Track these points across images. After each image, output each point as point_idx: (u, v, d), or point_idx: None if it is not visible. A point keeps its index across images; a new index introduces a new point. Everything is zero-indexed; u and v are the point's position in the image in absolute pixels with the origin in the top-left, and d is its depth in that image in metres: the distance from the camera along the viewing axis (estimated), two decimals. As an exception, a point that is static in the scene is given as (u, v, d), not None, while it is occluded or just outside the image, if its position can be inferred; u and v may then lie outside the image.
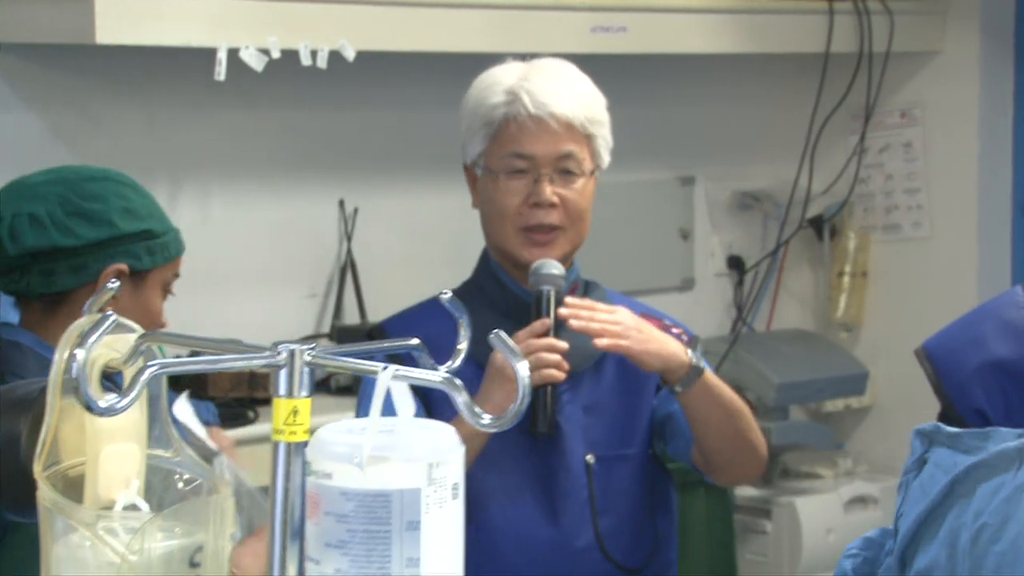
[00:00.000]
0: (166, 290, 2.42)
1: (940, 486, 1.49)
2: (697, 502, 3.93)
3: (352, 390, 3.50)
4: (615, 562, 2.55)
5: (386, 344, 1.35)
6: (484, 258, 2.66)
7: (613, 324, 2.48)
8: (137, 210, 2.35)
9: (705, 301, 4.61)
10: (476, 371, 2.56)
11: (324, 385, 3.66)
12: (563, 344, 2.49)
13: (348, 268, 3.76)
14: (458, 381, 1.25)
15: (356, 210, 3.78)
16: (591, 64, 4.01)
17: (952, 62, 4.55)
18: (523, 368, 1.25)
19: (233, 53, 3.22)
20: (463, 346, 1.27)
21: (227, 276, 3.63)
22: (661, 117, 4.42)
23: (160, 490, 1.25)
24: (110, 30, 3.05)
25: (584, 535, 2.55)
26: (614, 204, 4.41)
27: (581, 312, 2.49)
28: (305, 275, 3.78)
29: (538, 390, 2.47)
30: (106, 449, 1.29)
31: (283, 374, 1.27)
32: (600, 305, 2.52)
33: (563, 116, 2.55)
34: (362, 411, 2.62)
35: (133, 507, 1.26)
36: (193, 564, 1.14)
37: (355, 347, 1.35)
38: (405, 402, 1.23)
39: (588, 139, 2.59)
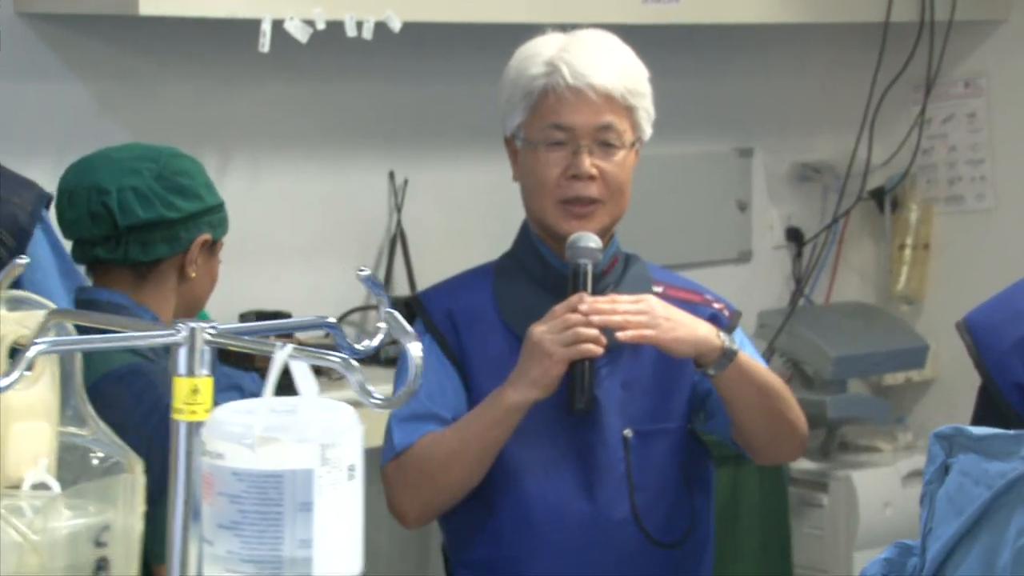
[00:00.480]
0: None
1: (977, 503, 1.39)
2: (751, 475, 3.89)
3: (399, 362, 3.48)
4: (651, 537, 2.52)
5: (293, 322, 1.32)
6: (524, 230, 2.64)
7: (637, 315, 2.44)
8: (212, 185, 2.52)
9: (763, 274, 4.55)
10: (514, 343, 2.53)
11: (375, 357, 3.65)
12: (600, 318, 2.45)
13: (398, 240, 3.74)
14: (354, 363, 1.23)
15: (406, 182, 3.76)
16: (643, 35, 3.98)
17: (1017, 31, 4.46)
18: (415, 349, 1.23)
19: (278, 25, 3.21)
20: (383, 325, 1.24)
21: (276, 248, 3.63)
22: (718, 88, 4.37)
23: (77, 469, 1.23)
24: (154, 1, 3.04)
25: (620, 509, 2.52)
26: (671, 176, 4.37)
27: (602, 306, 2.44)
28: (356, 247, 3.76)
29: (576, 365, 2.44)
30: (15, 427, 1.27)
31: (182, 352, 1.25)
32: (623, 298, 2.48)
33: (602, 87, 2.51)
34: (399, 383, 2.60)
35: (43, 486, 1.23)
36: (99, 543, 1.12)
37: (262, 325, 1.33)
38: (307, 382, 1.20)
39: (629, 111, 2.55)
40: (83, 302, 2.42)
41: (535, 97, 2.53)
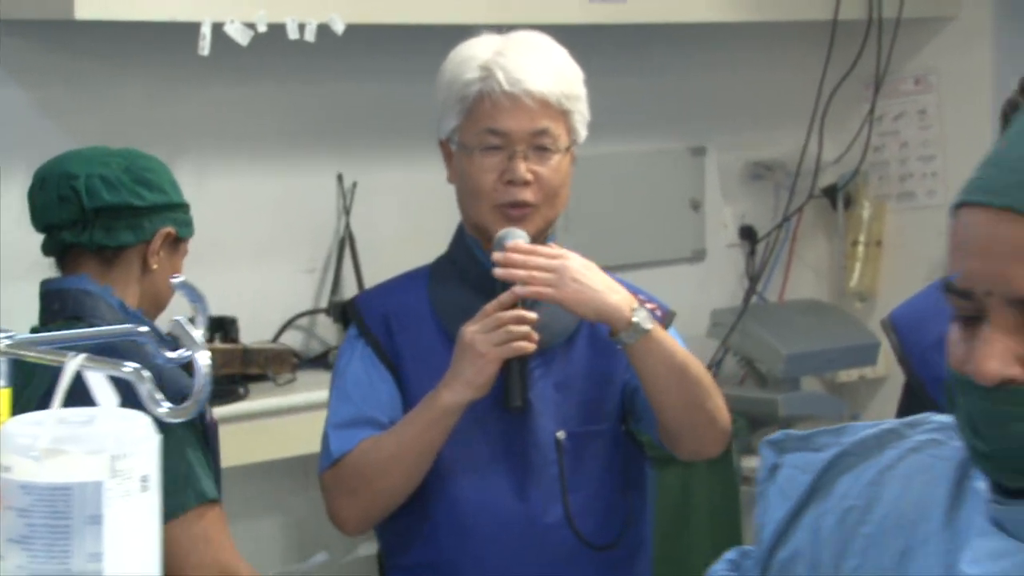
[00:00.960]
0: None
1: (803, 485, 1.43)
2: (701, 475, 3.88)
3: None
4: (584, 539, 2.51)
5: (99, 331, 1.29)
6: (459, 233, 2.62)
7: (546, 272, 2.42)
8: (177, 185, 2.64)
9: (717, 272, 4.54)
10: (448, 345, 2.52)
11: (323, 362, 3.62)
12: (532, 315, 2.44)
13: (346, 243, 3.72)
14: (146, 373, 1.20)
15: (355, 184, 3.74)
16: (592, 35, 3.98)
17: (966, 27, 4.46)
18: (204, 358, 1.20)
19: (219, 28, 3.18)
20: (198, 333, 1.21)
21: (224, 251, 3.60)
22: (669, 87, 4.36)
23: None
24: (89, 5, 3.02)
25: (553, 512, 2.51)
26: (624, 175, 4.36)
27: (515, 257, 2.42)
28: (303, 250, 3.74)
29: (510, 363, 2.43)
30: None
31: None
32: (544, 249, 2.46)
33: (538, 93, 2.49)
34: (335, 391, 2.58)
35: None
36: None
37: (62, 335, 1.30)
38: (104, 392, 1.18)
39: (564, 115, 2.53)
40: (51, 292, 2.51)
41: (470, 102, 2.51)
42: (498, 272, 2.42)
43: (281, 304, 3.68)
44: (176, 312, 1.40)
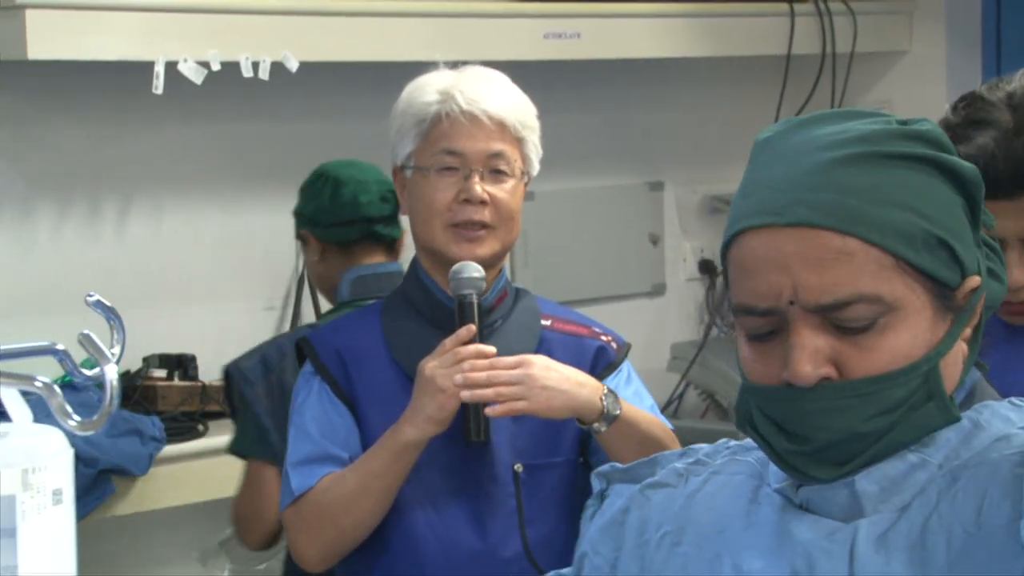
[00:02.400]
0: None
1: (618, 505, 1.54)
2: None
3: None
4: (543, 572, 2.48)
5: (18, 348, 1.27)
6: (413, 266, 2.61)
7: (511, 386, 2.41)
8: None
9: (676, 306, 4.54)
10: (404, 381, 2.50)
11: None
12: (491, 349, 2.43)
13: (304, 280, 3.70)
14: (57, 388, 1.19)
15: (311, 222, 3.72)
16: (548, 71, 3.98)
17: (920, 62, 4.48)
18: (111, 371, 1.19)
19: (173, 66, 3.18)
20: (116, 350, 1.20)
21: (182, 289, 3.58)
22: (626, 122, 4.36)
23: None
24: (42, 45, 3.00)
25: (512, 545, 2.48)
26: (583, 210, 4.36)
27: (477, 377, 2.41)
28: (261, 288, 3.73)
29: None
30: None
31: None
32: (504, 361, 2.45)
33: (496, 114, 2.50)
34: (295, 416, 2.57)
35: None
36: None
37: None
38: (18, 408, 1.17)
39: (519, 142, 2.53)
40: (380, 275, 3.08)
41: (428, 124, 2.51)
42: (464, 395, 2.40)
43: (240, 342, 3.63)
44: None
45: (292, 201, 3.74)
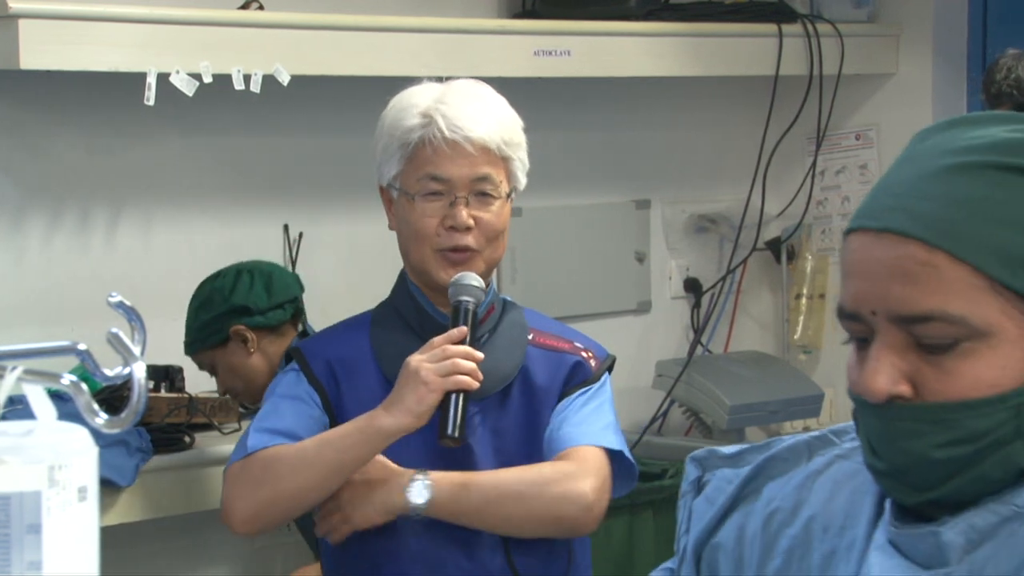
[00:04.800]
0: None
1: (729, 492, 1.45)
2: (646, 523, 3.87)
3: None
4: None
5: (39, 347, 1.27)
6: (401, 280, 2.61)
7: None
8: None
9: (662, 324, 4.54)
10: (390, 390, 2.50)
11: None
12: (479, 354, 2.44)
13: (293, 292, 3.69)
14: (84, 386, 1.20)
15: (300, 235, 3.72)
16: (537, 88, 3.99)
17: (906, 84, 4.50)
18: (140, 370, 1.20)
19: (165, 78, 3.18)
20: (137, 350, 1.21)
21: (171, 301, 3.56)
22: (614, 141, 4.37)
23: None
24: (35, 55, 3.00)
25: (495, 559, 2.49)
26: (570, 228, 4.36)
27: (464, 367, 2.43)
28: (250, 300, 3.71)
29: (449, 395, 2.41)
30: None
31: None
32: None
33: (479, 140, 2.50)
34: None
35: None
36: None
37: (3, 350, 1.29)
38: (43, 405, 1.18)
39: (504, 161, 2.54)
40: None
41: (411, 149, 2.51)
42: (448, 382, 2.40)
43: (227, 354, 3.65)
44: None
45: (283, 213, 3.75)
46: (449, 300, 2.49)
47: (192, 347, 3.21)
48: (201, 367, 3.24)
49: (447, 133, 2.48)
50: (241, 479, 2.46)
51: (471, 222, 2.49)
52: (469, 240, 2.50)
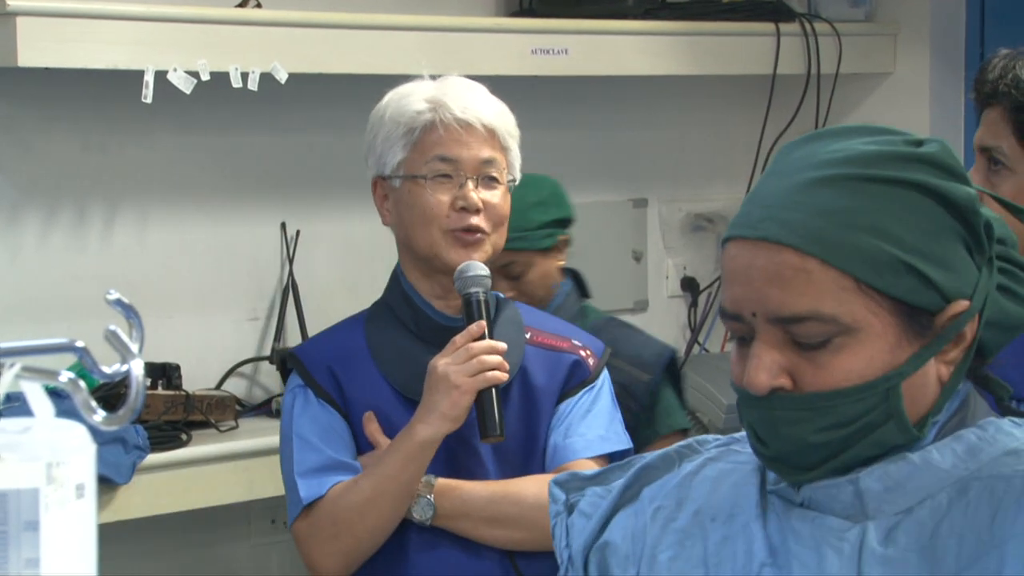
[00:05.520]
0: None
1: (607, 501, 1.55)
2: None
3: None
4: None
5: (37, 344, 1.27)
6: (394, 279, 2.61)
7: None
8: None
9: (659, 323, 4.54)
10: (393, 396, 2.50)
11: (267, 410, 3.60)
12: (502, 345, 2.45)
13: (289, 291, 3.69)
14: (82, 384, 1.20)
15: (298, 233, 3.72)
16: (534, 86, 3.99)
17: (903, 83, 4.50)
18: (138, 367, 1.20)
19: (162, 75, 3.18)
20: (135, 347, 1.21)
21: (168, 298, 3.57)
22: (611, 139, 4.37)
23: None
24: (33, 52, 3.00)
25: (495, 552, 2.50)
26: (566, 226, 4.36)
27: (492, 362, 2.45)
28: (247, 298, 3.71)
29: (483, 394, 2.41)
30: None
31: None
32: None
33: (489, 122, 2.54)
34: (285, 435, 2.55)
35: None
36: None
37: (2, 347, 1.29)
38: (41, 402, 1.18)
39: (505, 151, 2.57)
40: None
41: (419, 132, 2.53)
42: (480, 380, 2.41)
43: (224, 351, 3.65)
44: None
45: (279, 212, 3.74)
46: (458, 292, 2.48)
47: (520, 243, 3.02)
48: (505, 268, 3.03)
49: (459, 114, 2.51)
50: (315, 537, 2.46)
51: (480, 203, 2.51)
52: (480, 221, 2.50)
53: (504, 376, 2.41)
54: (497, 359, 2.41)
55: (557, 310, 3.05)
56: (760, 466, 1.49)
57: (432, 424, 2.40)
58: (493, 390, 2.41)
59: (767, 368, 1.38)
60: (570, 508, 1.58)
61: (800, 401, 1.38)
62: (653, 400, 3.07)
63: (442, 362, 2.41)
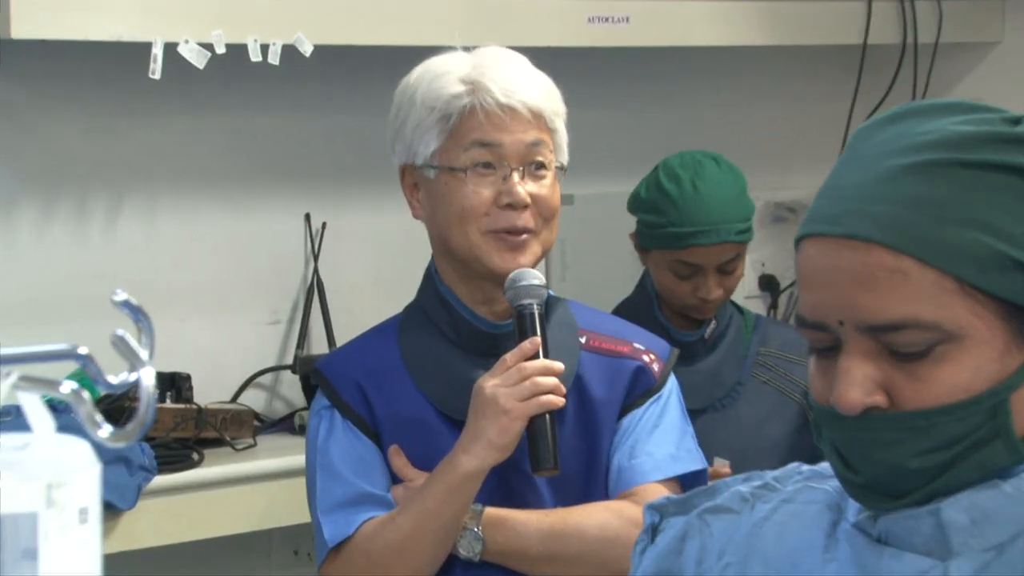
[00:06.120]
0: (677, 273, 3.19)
1: (671, 536, 1.57)
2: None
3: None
4: None
5: (35, 351, 1.29)
6: (428, 280, 2.60)
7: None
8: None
9: (733, 327, 4.54)
10: (430, 412, 2.50)
11: (288, 426, 3.63)
12: (559, 365, 2.44)
13: (315, 291, 3.73)
14: (86, 395, 1.22)
15: (324, 225, 3.75)
16: (591, 59, 4.00)
17: (1013, 53, 4.49)
18: (149, 376, 1.22)
19: (172, 49, 3.21)
20: (145, 354, 1.22)
21: (177, 299, 3.61)
22: (680, 118, 4.37)
23: None
24: (28, 23, 3.04)
25: None
26: (627, 218, 4.35)
27: (547, 384, 2.46)
28: (266, 299, 3.75)
29: (536, 420, 2.41)
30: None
31: None
32: None
33: (535, 105, 2.52)
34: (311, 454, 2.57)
35: None
36: None
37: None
38: (40, 415, 1.19)
39: (552, 133, 2.56)
40: None
41: (456, 118, 2.50)
42: (532, 405, 2.42)
43: (241, 360, 3.68)
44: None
45: (303, 201, 3.77)
46: (509, 304, 2.48)
47: (747, 234, 3.24)
48: (726, 264, 3.19)
49: (501, 98, 2.49)
50: None
51: (528, 198, 2.50)
52: (527, 219, 2.50)
53: (560, 401, 2.41)
54: (553, 381, 2.41)
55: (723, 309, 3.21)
56: (833, 503, 1.48)
57: (478, 454, 2.40)
58: (547, 416, 2.42)
59: (859, 384, 1.36)
60: (652, 532, 1.59)
61: (898, 421, 1.36)
62: None
63: (490, 383, 2.41)
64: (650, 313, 3.20)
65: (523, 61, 2.59)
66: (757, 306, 4.61)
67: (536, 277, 2.47)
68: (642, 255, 3.30)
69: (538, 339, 2.44)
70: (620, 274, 4.29)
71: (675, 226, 3.17)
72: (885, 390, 1.36)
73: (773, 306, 4.58)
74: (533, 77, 2.56)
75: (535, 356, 2.43)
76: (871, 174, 1.38)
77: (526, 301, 2.47)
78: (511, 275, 2.48)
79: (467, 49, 2.61)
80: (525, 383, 2.40)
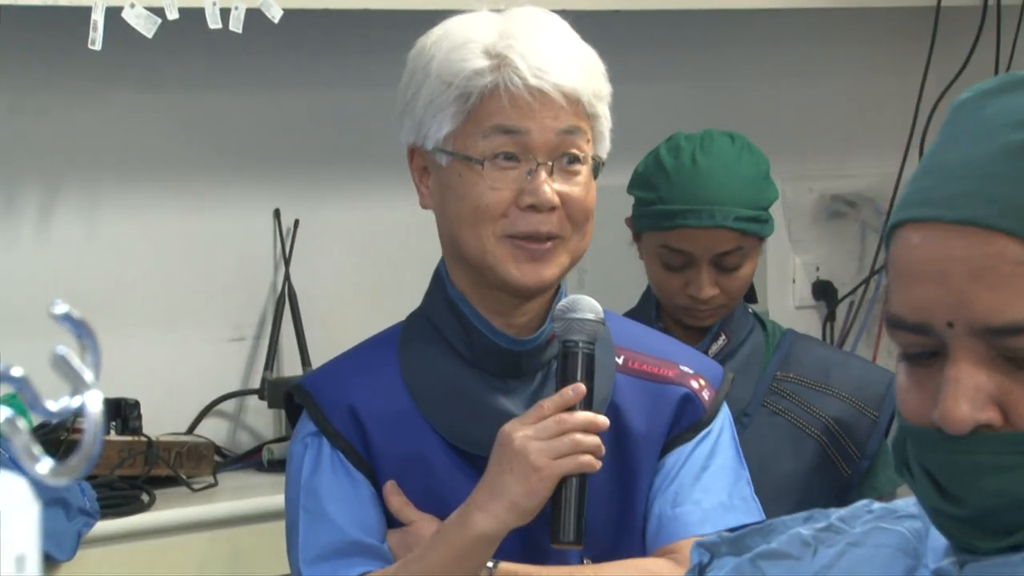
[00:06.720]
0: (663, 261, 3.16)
1: (727, 567, 1.57)
2: None
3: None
4: None
5: None
6: (437, 283, 2.58)
7: None
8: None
9: (783, 342, 4.55)
10: (437, 443, 2.50)
11: (256, 462, 3.63)
12: (603, 420, 2.41)
13: (285, 301, 3.73)
14: (21, 424, 1.21)
15: (296, 223, 3.76)
16: (622, 25, 4.00)
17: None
18: (94, 401, 1.21)
19: (116, 14, 3.21)
20: (90, 376, 1.22)
21: (124, 312, 3.61)
22: (722, 93, 4.38)
23: None
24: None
25: None
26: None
27: (588, 443, 2.44)
28: (229, 311, 3.76)
29: (564, 482, 2.39)
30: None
31: None
32: None
33: (571, 88, 2.47)
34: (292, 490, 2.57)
35: None
36: None
37: None
38: None
39: (591, 119, 2.52)
40: None
41: (476, 99, 2.47)
42: (567, 464, 2.40)
43: (198, 384, 3.69)
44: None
45: (273, 192, 3.77)
46: (556, 336, 2.45)
47: (754, 225, 3.14)
48: (723, 257, 3.12)
49: (530, 78, 2.45)
50: None
51: (556, 199, 2.47)
52: (552, 225, 2.48)
53: (597, 464, 2.39)
54: (595, 440, 2.38)
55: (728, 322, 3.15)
56: (909, 547, 1.47)
57: (497, 515, 2.38)
58: (578, 480, 2.39)
59: (970, 397, 1.34)
60: (700, 571, 1.59)
61: (1015, 442, 1.34)
62: (880, 448, 3.10)
63: (520, 433, 2.37)
64: (648, 320, 3.11)
65: (561, 29, 2.53)
66: (811, 317, 4.61)
67: (592, 310, 2.43)
68: (637, 244, 3.24)
69: (583, 387, 2.41)
70: (646, 279, 4.29)
71: (664, 203, 3.10)
72: (999, 405, 1.35)
73: (830, 318, 4.58)
74: (571, 50, 2.51)
75: (576, 407, 2.42)
76: (988, 150, 1.37)
77: (575, 338, 2.43)
78: (563, 301, 2.46)
79: (497, 11, 2.57)
80: (564, 439, 2.37)
